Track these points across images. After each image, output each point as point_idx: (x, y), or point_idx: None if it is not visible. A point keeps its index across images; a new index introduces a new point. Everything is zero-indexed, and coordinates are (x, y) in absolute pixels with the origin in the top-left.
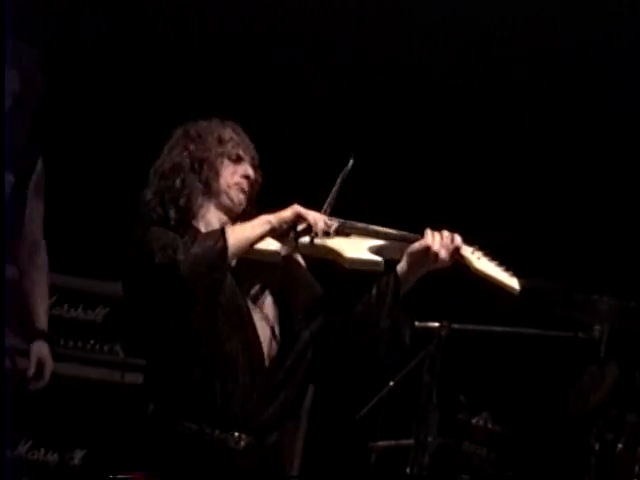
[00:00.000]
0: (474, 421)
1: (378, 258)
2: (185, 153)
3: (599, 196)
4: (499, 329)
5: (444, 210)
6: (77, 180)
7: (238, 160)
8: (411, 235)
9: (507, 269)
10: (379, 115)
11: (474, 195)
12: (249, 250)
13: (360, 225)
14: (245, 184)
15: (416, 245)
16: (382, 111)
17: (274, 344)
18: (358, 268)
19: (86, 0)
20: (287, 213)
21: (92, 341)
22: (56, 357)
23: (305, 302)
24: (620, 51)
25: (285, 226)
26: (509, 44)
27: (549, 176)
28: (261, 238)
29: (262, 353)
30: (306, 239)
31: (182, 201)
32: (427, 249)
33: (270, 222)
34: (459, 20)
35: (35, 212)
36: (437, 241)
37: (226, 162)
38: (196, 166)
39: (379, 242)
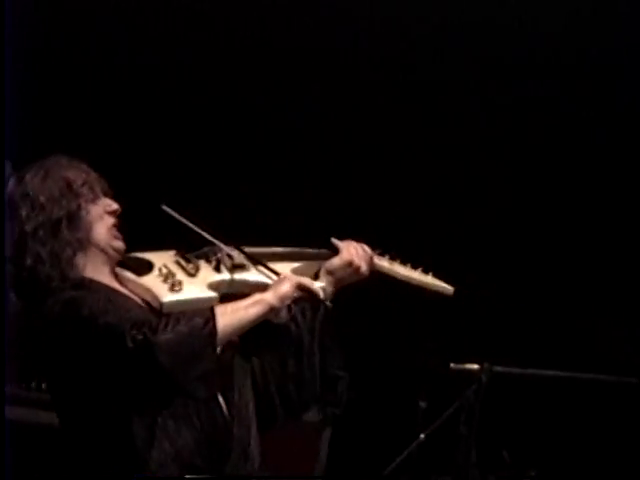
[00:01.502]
0: None
1: None
2: (37, 219)
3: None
4: (550, 373)
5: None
6: None
7: (96, 198)
8: (323, 251)
9: (424, 271)
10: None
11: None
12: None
13: (266, 251)
14: (116, 223)
15: (336, 261)
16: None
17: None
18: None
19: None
20: (286, 288)
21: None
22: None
23: None
24: (620, 51)
25: (287, 302)
26: (508, 45)
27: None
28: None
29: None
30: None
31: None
32: (348, 263)
33: (268, 302)
34: (456, 20)
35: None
36: (354, 254)
37: (88, 207)
38: (60, 226)
39: (295, 265)
